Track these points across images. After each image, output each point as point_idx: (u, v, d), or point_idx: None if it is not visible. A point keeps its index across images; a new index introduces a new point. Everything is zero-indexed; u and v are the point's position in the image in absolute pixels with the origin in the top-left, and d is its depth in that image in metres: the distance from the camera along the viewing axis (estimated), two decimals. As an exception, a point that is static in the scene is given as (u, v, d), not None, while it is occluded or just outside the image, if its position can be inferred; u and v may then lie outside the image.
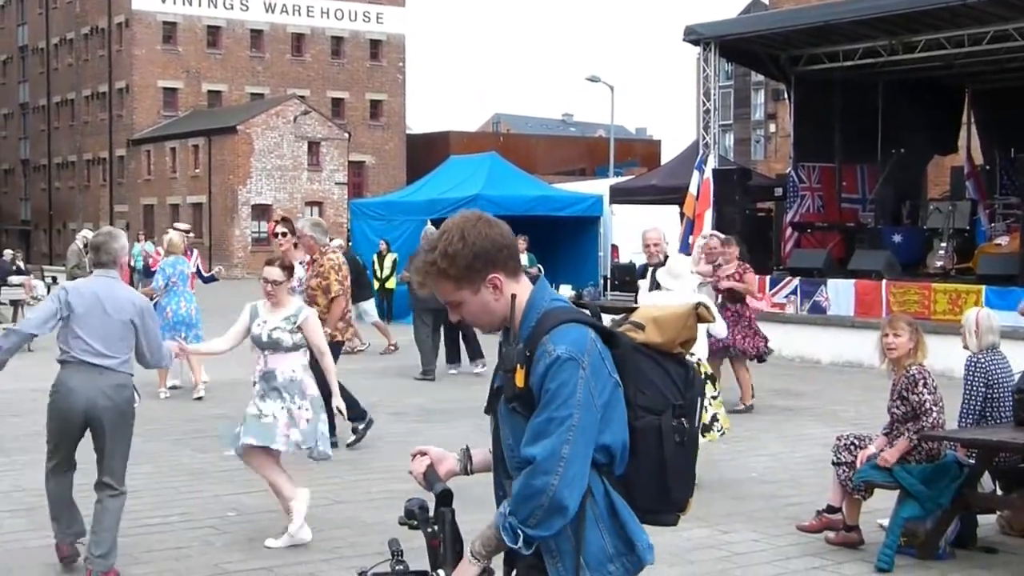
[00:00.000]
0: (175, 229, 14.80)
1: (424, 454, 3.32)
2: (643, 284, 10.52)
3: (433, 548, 3.08)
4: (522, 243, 22.74)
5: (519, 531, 2.97)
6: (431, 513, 3.13)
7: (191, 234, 16.35)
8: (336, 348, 9.91)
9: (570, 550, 3.02)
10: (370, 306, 19.94)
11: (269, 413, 7.12)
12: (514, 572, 3.15)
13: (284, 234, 10.58)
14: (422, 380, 15.48)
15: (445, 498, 3.10)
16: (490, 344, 16.43)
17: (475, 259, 3.03)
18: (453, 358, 16.30)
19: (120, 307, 6.33)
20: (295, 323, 7.30)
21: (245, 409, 7.30)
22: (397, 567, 3.04)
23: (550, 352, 2.95)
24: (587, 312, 3.16)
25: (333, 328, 9.94)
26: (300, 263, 10.37)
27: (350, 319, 10.82)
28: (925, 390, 6.98)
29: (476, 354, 16.03)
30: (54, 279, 31.64)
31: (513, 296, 3.08)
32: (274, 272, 7.25)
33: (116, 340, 6.31)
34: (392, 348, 18.83)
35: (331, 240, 20.31)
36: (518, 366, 2.99)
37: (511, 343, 3.09)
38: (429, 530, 3.09)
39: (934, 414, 6.99)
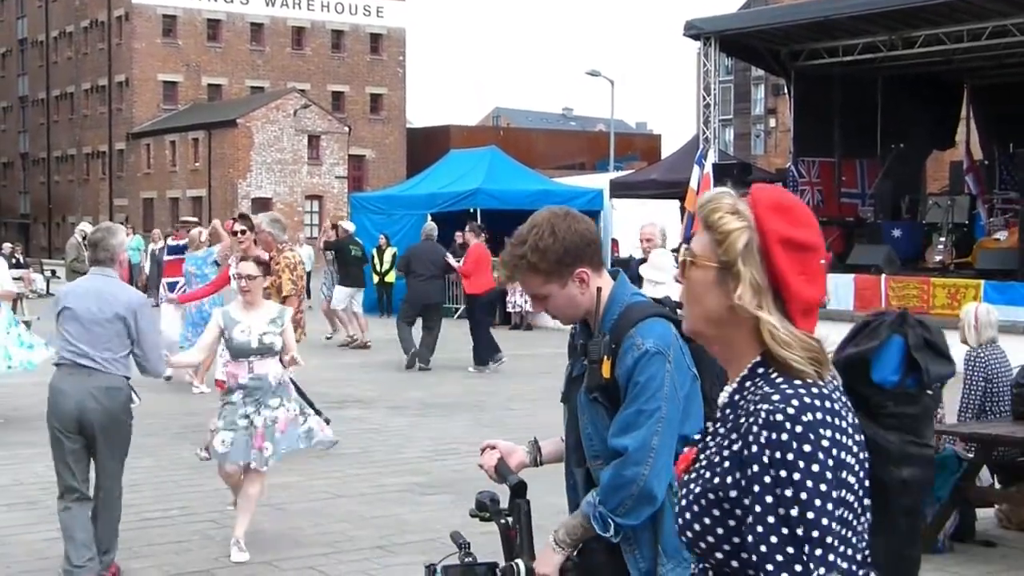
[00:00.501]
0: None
1: (493, 448, 3.40)
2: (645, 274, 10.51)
3: (508, 539, 3.12)
4: (517, 238, 22.77)
5: (609, 520, 3.06)
6: (502, 505, 3.17)
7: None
8: None
9: (649, 539, 3.11)
10: (338, 292, 19.61)
11: (253, 423, 6.81)
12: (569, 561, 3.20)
13: (243, 231, 10.11)
14: (423, 371, 15.59)
15: (519, 490, 3.14)
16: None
17: (565, 254, 3.10)
18: (485, 356, 16.17)
19: (110, 305, 6.10)
20: (283, 325, 6.99)
21: (226, 419, 6.85)
22: (466, 559, 3.07)
23: (639, 346, 3.04)
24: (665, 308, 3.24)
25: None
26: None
27: (301, 319, 10.11)
28: None
29: (482, 361, 16.09)
30: (53, 272, 31.68)
31: (598, 290, 3.15)
32: (249, 267, 6.94)
33: (105, 340, 6.07)
34: (351, 339, 18.74)
35: (340, 229, 20.21)
36: (604, 358, 3.07)
37: (596, 336, 3.14)
38: (503, 521, 3.12)
39: None
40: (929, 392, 2.16)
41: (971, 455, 7.19)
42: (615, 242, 26.30)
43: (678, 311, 3.25)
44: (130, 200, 61.87)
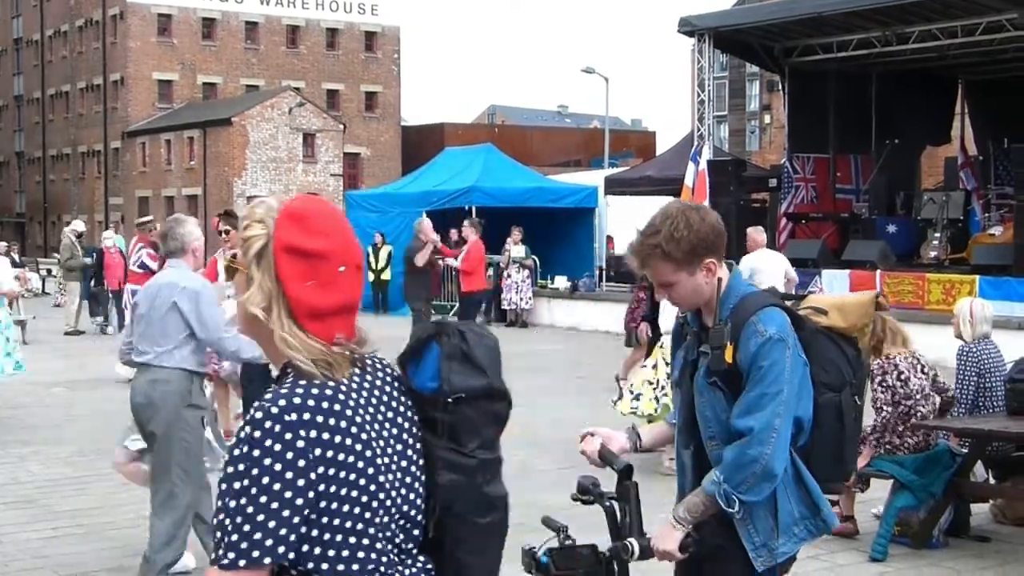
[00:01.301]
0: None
1: (592, 435, 3.53)
2: None
3: (614, 519, 3.22)
4: (516, 234, 22.78)
5: (733, 497, 3.23)
6: (604, 488, 3.27)
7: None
8: None
9: (764, 515, 3.31)
10: None
11: None
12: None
13: (227, 231, 9.42)
14: None
15: (627, 472, 3.24)
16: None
17: (698, 244, 3.28)
18: None
19: (168, 295, 5.85)
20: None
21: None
22: (566, 541, 3.12)
23: (762, 332, 3.23)
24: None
25: None
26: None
27: None
28: (879, 387, 7.04)
29: None
30: (49, 271, 31.65)
31: (720, 280, 3.33)
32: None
33: (159, 333, 5.84)
34: None
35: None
36: (727, 344, 3.26)
37: (716, 324, 3.31)
38: (607, 503, 3.21)
39: (884, 412, 7.04)
40: (463, 398, 2.19)
41: (965, 451, 7.21)
42: (610, 239, 26.32)
43: None
44: (125, 199, 61.81)
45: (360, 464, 2.04)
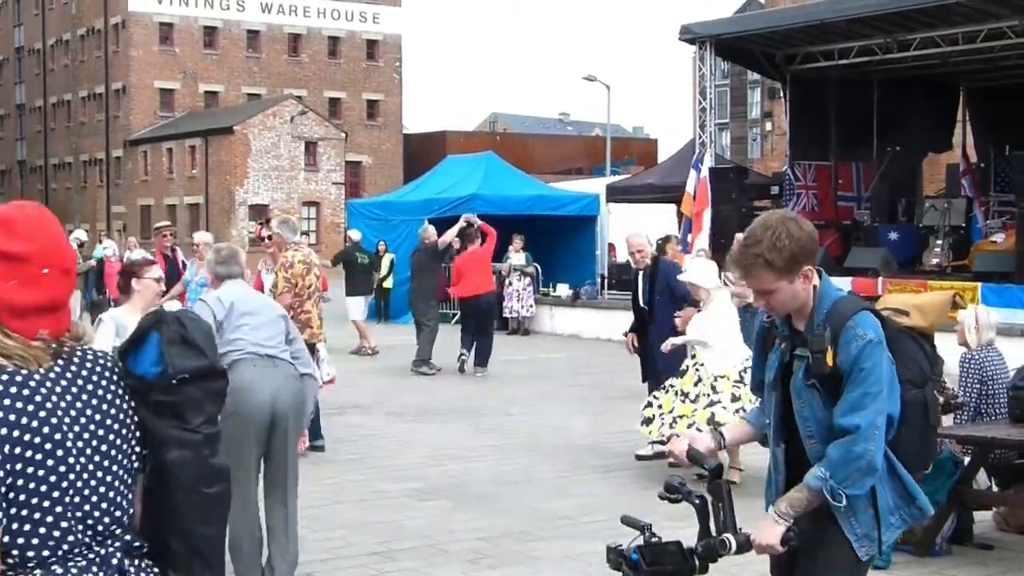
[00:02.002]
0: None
1: (678, 436, 3.82)
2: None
3: (704, 516, 3.33)
4: (517, 243, 22.77)
5: (839, 491, 3.42)
6: (690, 487, 3.39)
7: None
8: None
9: (864, 507, 3.51)
10: (354, 303, 19.50)
11: None
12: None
13: (268, 237, 10.65)
14: (421, 375, 15.72)
15: (718, 472, 3.40)
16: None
17: (798, 252, 3.45)
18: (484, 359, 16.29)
19: (271, 308, 6.47)
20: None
21: None
22: (652, 539, 3.24)
23: (861, 336, 3.43)
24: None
25: None
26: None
27: (308, 319, 10.06)
28: None
29: (484, 362, 16.18)
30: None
31: (815, 287, 3.53)
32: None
33: (279, 336, 6.23)
34: (369, 351, 18.40)
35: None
36: (828, 348, 3.45)
37: (815, 328, 3.49)
38: (696, 501, 3.32)
39: None
40: (186, 379, 2.39)
41: (967, 458, 7.19)
42: (612, 246, 26.29)
43: None
44: (127, 207, 61.86)
45: (48, 446, 2.21)
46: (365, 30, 65.73)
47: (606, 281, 24.28)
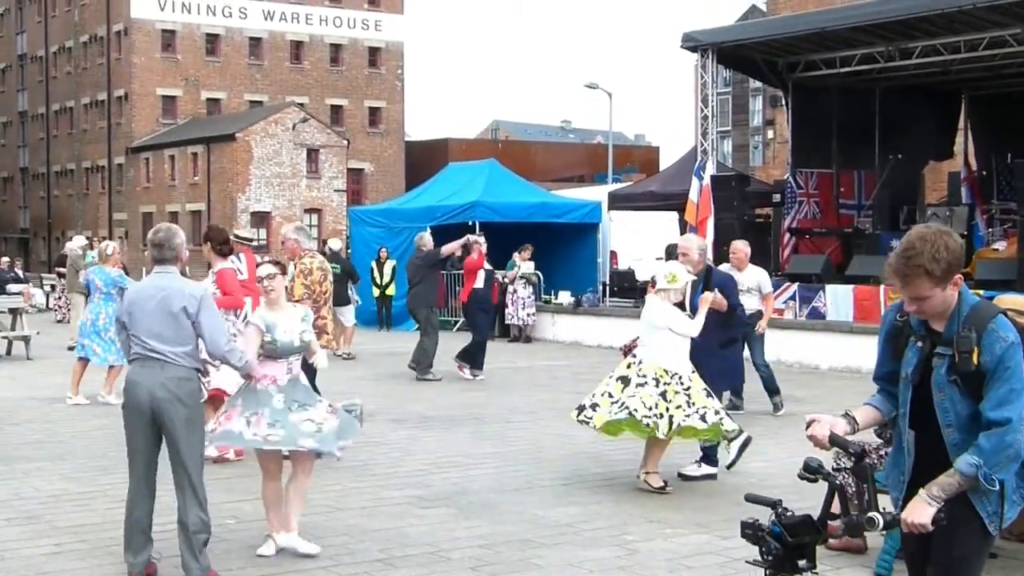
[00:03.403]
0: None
1: (816, 421, 4.09)
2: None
3: (843, 495, 3.81)
4: (526, 252, 22.76)
5: (992, 476, 3.88)
6: (829, 468, 3.84)
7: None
8: None
9: (997, 488, 3.94)
10: (346, 311, 19.75)
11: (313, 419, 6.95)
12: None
13: (283, 242, 10.85)
14: (422, 381, 15.72)
15: (862, 454, 3.91)
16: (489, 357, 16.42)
17: (953, 262, 3.86)
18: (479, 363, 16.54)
19: (176, 301, 6.35)
20: (311, 321, 7.24)
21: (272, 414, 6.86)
22: (785, 513, 3.64)
23: (1005, 339, 3.86)
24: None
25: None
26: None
27: (325, 325, 10.65)
28: None
29: (479, 364, 16.36)
30: (52, 287, 31.65)
31: (959, 293, 3.93)
32: (267, 268, 7.11)
33: (174, 335, 6.34)
34: (345, 355, 18.76)
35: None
36: (975, 348, 3.86)
37: (960, 331, 3.88)
38: (837, 481, 3.79)
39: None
40: None
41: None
42: (614, 254, 26.32)
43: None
44: (129, 214, 61.89)
45: None
46: (367, 37, 65.80)
47: (608, 289, 24.29)
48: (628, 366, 8.99)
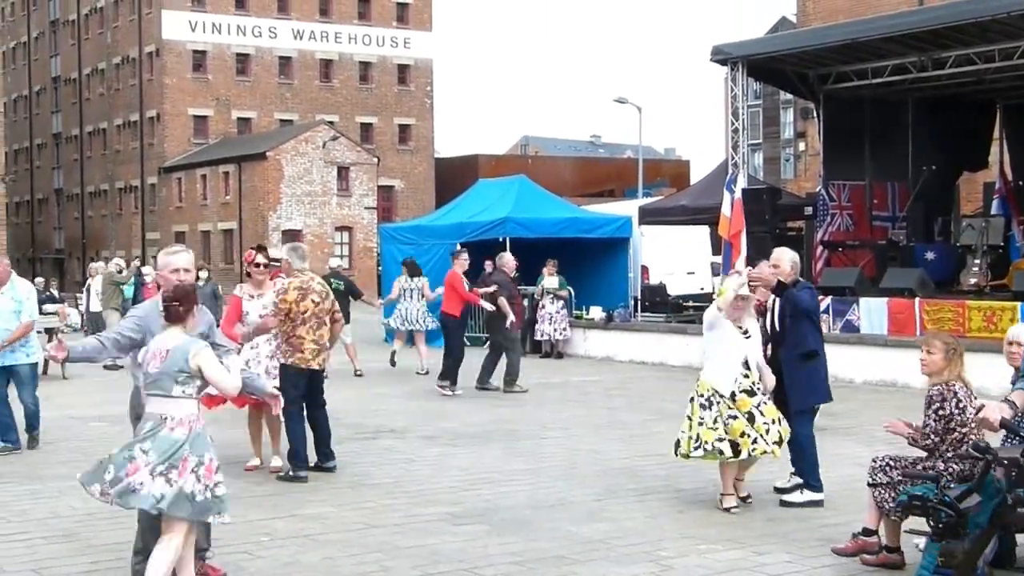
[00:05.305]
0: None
1: (986, 406, 4.69)
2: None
3: (1009, 475, 4.59)
4: (551, 267, 22.75)
5: None
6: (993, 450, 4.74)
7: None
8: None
9: None
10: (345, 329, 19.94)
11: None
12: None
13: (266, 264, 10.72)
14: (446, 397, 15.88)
15: None
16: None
17: None
18: (486, 380, 16.84)
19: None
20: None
21: None
22: (949, 485, 4.31)
23: None
24: None
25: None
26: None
27: (298, 344, 10.21)
28: (948, 405, 6.92)
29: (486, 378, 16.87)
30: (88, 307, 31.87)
31: None
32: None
33: None
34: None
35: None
36: None
37: None
38: (1005, 462, 4.52)
39: (930, 440, 6.93)
40: None
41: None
42: (645, 269, 26.23)
43: None
44: (162, 234, 62.34)
45: None
46: (396, 55, 66.12)
47: (639, 304, 24.20)
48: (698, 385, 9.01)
